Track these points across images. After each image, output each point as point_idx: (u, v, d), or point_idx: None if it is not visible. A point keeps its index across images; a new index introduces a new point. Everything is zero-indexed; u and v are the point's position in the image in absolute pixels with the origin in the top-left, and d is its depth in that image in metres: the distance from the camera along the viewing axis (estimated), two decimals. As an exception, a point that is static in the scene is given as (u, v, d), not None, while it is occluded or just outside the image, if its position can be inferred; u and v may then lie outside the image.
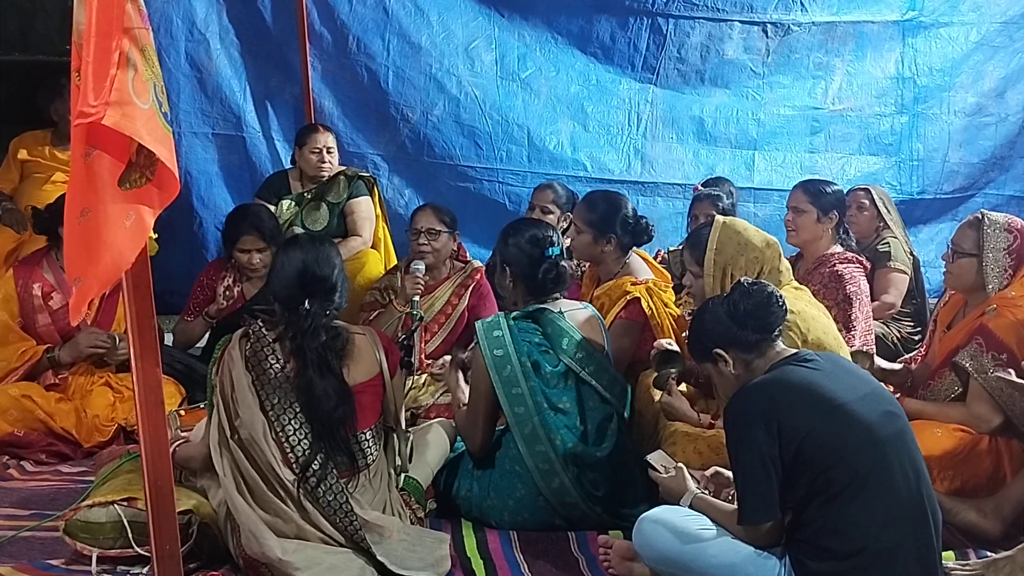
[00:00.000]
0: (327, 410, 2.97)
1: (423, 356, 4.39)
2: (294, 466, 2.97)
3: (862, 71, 6.05)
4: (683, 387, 3.71)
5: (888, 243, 5.01)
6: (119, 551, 2.97)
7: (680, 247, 4.62)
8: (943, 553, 2.78)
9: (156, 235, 4.15)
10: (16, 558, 3.06)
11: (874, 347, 4.33)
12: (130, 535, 2.95)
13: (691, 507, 2.85)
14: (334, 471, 2.97)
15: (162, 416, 2.56)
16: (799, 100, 6.05)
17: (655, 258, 4.72)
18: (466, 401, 3.52)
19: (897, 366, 3.88)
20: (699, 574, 2.74)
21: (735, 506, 2.73)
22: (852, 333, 4.14)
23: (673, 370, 3.61)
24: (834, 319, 3.72)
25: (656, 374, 3.64)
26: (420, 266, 4.38)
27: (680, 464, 3.07)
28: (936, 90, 6.06)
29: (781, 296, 2.85)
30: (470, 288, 4.55)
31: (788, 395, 2.66)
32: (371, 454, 3.11)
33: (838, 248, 4.46)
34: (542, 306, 3.50)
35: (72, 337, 4.16)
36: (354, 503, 2.97)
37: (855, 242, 4.78)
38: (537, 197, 5.04)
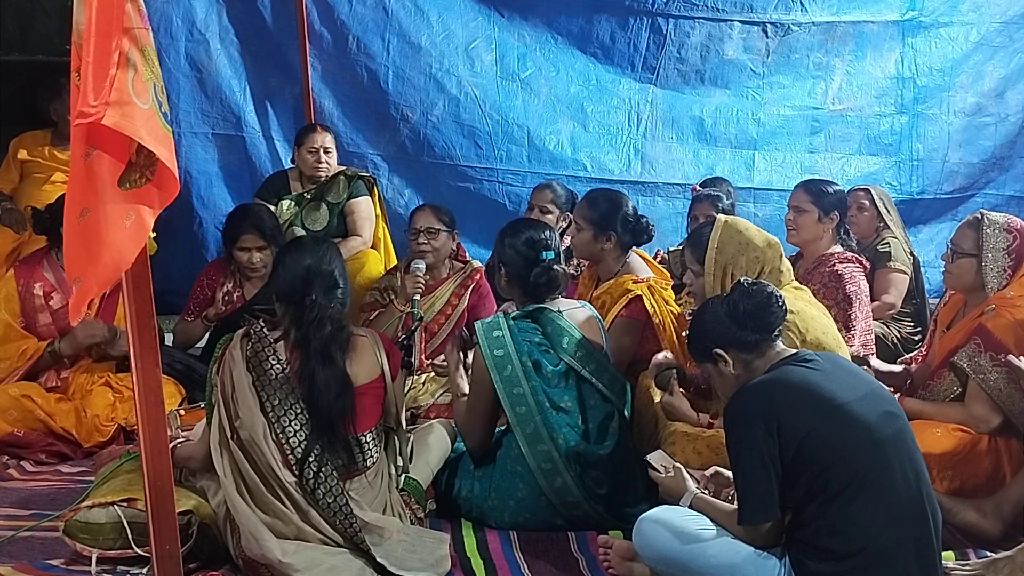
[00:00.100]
0: (328, 401, 2.97)
1: (423, 356, 4.39)
2: (293, 467, 2.97)
3: (862, 71, 6.05)
4: (682, 389, 3.71)
5: (888, 243, 5.01)
6: (119, 551, 2.97)
7: (680, 247, 4.63)
8: (943, 553, 2.78)
9: (155, 234, 4.15)
10: (16, 558, 3.06)
11: (874, 347, 4.33)
12: (130, 536, 2.95)
13: (691, 507, 2.85)
14: (334, 473, 2.97)
15: (162, 416, 2.56)
16: (799, 100, 6.06)
17: (654, 258, 4.72)
18: (465, 391, 3.52)
19: (896, 368, 3.88)
20: (699, 574, 2.74)
21: (735, 506, 2.73)
22: (852, 333, 4.14)
23: (674, 370, 3.62)
24: (834, 319, 3.72)
25: (657, 375, 3.65)
26: (420, 265, 4.39)
27: (679, 464, 3.07)
28: (936, 90, 6.06)
29: (781, 296, 2.85)
30: (470, 288, 4.55)
31: (788, 395, 2.66)
32: (371, 455, 3.11)
33: (838, 248, 4.46)
34: (541, 305, 3.50)
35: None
36: (353, 504, 2.97)
37: (855, 242, 4.78)
38: (536, 197, 5.04)
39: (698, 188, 5.24)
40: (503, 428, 3.46)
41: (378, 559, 2.91)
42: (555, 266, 3.50)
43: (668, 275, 4.29)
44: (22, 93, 5.76)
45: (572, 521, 3.35)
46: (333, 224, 5.29)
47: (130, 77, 2.26)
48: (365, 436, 3.08)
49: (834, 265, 4.34)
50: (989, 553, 3.08)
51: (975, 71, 6.04)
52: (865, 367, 3.65)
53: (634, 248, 4.17)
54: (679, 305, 3.99)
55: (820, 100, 6.05)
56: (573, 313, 3.52)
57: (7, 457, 3.94)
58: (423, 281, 4.36)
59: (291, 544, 2.89)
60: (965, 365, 3.41)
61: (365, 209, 5.33)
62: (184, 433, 3.36)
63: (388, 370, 3.14)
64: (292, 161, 5.42)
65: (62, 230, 2.45)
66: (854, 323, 4.18)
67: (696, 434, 3.48)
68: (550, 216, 4.84)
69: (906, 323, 4.99)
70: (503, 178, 5.92)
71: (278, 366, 3.00)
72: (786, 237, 4.50)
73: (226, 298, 4.55)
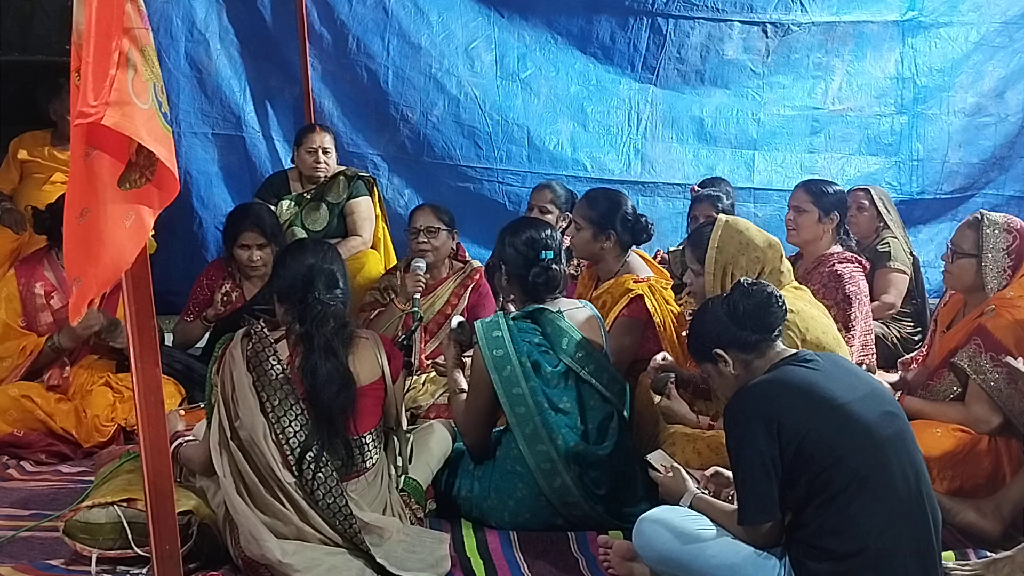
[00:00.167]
0: (330, 395, 2.97)
1: (423, 356, 4.40)
2: (293, 467, 2.97)
3: (862, 71, 6.05)
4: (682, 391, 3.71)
5: (888, 243, 5.01)
6: (119, 552, 2.97)
7: (680, 247, 4.63)
8: (943, 553, 2.78)
9: (153, 231, 4.15)
10: (16, 558, 3.06)
11: (874, 347, 4.34)
12: (130, 536, 2.95)
13: (691, 507, 2.85)
14: (333, 473, 2.97)
15: (162, 416, 2.56)
16: (799, 100, 6.06)
17: (654, 258, 4.72)
18: (463, 386, 3.52)
19: (892, 377, 3.87)
20: (699, 574, 2.74)
21: (735, 506, 2.73)
22: (851, 333, 4.13)
23: (671, 373, 3.62)
24: (833, 319, 3.72)
25: (654, 377, 3.66)
26: (421, 264, 4.39)
27: (679, 464, 3.07)
28: (936, 90, 6.06)
29: (781, 296, 2.85)
30: (469, 288, 4.55)
31: (788, 395, 2.66)
32: (371, 456, 3.11)
33: (838, 248, 4.46)
34: (541, 306, 3.50)
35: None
36: (353, 505, 2.97)
37: (855, 242, 4.78)
38: (536, 197, 5.04)
39: (697, 188, 5.24)
40: (503, 428, 3.46)
41: (378, 559, 2.91)
42: (554, 265, 3.50)
43: (668, 275, 4.29)
44: (22, 93, 5.77)
45: (572, 521, 3.35)
46: (333, 224, 5.29)
47: (130, 77, 2.26)
48: (365, 437, 3.08)
49: (834, 265, 4.34)
50: (989, 553, 3.08)
51: (975, 71, 6.03)
52: None
53: (634, 248, 4.17)
54: (679, 305, 3.99)
55: (820, 100, 6.05)
56: (573, 313, 3.52)
57: (7, 457, 3.94)
58: (423, 280, 4.36)
59: (291, 544, 2.89)
60: (966, 365, 3.41)
61: (365, 209, 5.33)
62: (187, 433, 3.35)
63: (388, 372, 3.14)
64: (292, 161, 5.42)
65: (62, 230, 2.45)
66: (854, 323, 4.18)
67: (696, 434, 3.49)
68: (550, 216, 4.84)
69: (906, 323, 4.99)
70: (503, 178, 5.91)
71: (278, 366, 3.00)
72: (786, 237, 4.50)
73: (224, 299, 4.55)
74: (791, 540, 2.68)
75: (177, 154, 2.40)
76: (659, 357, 3.68)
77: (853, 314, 4.19)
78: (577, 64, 5.97)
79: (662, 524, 2.80)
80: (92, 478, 3.45)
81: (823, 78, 6.05)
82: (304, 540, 2.92)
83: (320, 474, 2.95)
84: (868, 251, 4.95)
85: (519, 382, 3.33)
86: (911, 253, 5.09)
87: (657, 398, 3.66)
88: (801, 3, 5.95)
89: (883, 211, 5.13)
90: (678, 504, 2.89)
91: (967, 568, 2.94)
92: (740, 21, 5.96)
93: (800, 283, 3.78)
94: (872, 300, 4.62)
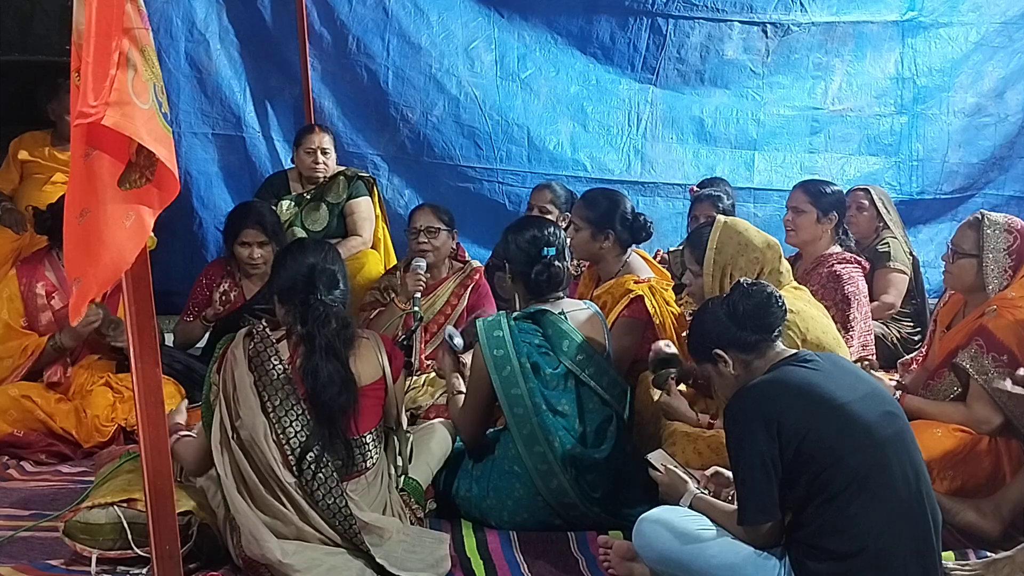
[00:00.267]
0: (331, 396, 2.97)
1: (423, 356, 4.39)
2: (293, 467, 2.96)
3: (862, 71, 6.05)
4: (682, 387, 3.70)
5: (888, 243, 5.01)
6: (119, 552, 2.97)
7: (680, 247, 4.62)
8: (943, 553, 2.78)
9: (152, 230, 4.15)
10: (16, 558, 3.06)
11: (873, 348, 4.34)
12: (129, 536, 2.95)
13: (691, 507, 2.85)
14: (333, 473, 2.97)
15: (162, 416, 2.56)
16: (799, 100, 6.06)
17: (654, 258, 4.72)
18: (460, 389, 3.52)
19: (890, 381, 3.87)
20: (699, 574, 2.74)
21: (735, 506, 2.73)
22: (850, 334, 4.14)
23: (672, 370, 3.61)
24: (832, 319, 3.72)
25: (655, 374, 3.64)
26: (421, 264, 4.39)
27: (680, 463, 3.07)
28: (936, 90, 6.06)
29: (781, 297, 2.85)
30: (469, 288, 4.55)
31: (788, 395, 2.66)
32: (372, 456, 3.11)
33: (837, 248, 4.47)
34: (543, 307, 3.50)
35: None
36: (353, 505, 2.97)
37: (854, 242, 4.78)
38: (535, 197, 5.04)
39: (696, 189, 5.24)
40: (502, 428, 3.46)
41: (378, 559, 2.91)
42: (556, 262, 3.50)
43: (669, 275, 4.29)
44: (22, 93, 5.76)
45: (570, 521, 3.35)
46: (333, 224, 5.29)
47: (130, 77, 2.26)
48: (365, 437, 3.08)
49: (833, 266, 4.34)
50: (989, 553, 3.08)
51: (975, 71, 6.04)
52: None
53: (635, 248, 4.17)
54: (679, 306, 3.99)
55: (820, 100, 6.05)
56: (576, 315, 3.52)
57: (7, 457, 3.94)
58: (424, 280, 4.36)
59: (291, 544, 2.89)
60: (967, 366, 3.41)
61: (365, 209, 5.33)
62: (185, 428, 3.35)
63: (389, 372, 3.14)
64: (292, 161, 5.42)
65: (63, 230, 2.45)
66: (853, 324, 4.18)
67: (696, 434, 3.48)
68: (550, 216, 4.83)
69: (906, 323, 4.99)
70: (503, 178, 5.91)
71: (280, 366, 2.99)
72: (785, 238, 4.49)
73: (223, 298, 4.55)
74: (791, 540, 2.68)
75: (177, 154, 2.40)
76: (662, 344, 3.65)
77: (852, 315, 4.20)
78: (577, 64, 5.97)
79: (662, 524, 2.80)
80: (92, 478, 3.45)
81: (823, 78, 6.05)
82: (304, 540, 2.92)
83: (320, 474, 2.95)
84: (868, 251, 4.95)
85: (518, 383, 3.33)
86: (911, 253, 5.10)
87: (657, 394, 3.65)
88: (801, 3, 5.95)
89: (883, 211, 5.13)
90: (678, 504, 2.89)
91: (967, 568, 2.94)
92: (740, 21, 5.96)
93: (799, 284, 3.78)
94: (872, 300, 4.62)
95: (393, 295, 4.52)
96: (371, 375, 3.11)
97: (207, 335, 4.68)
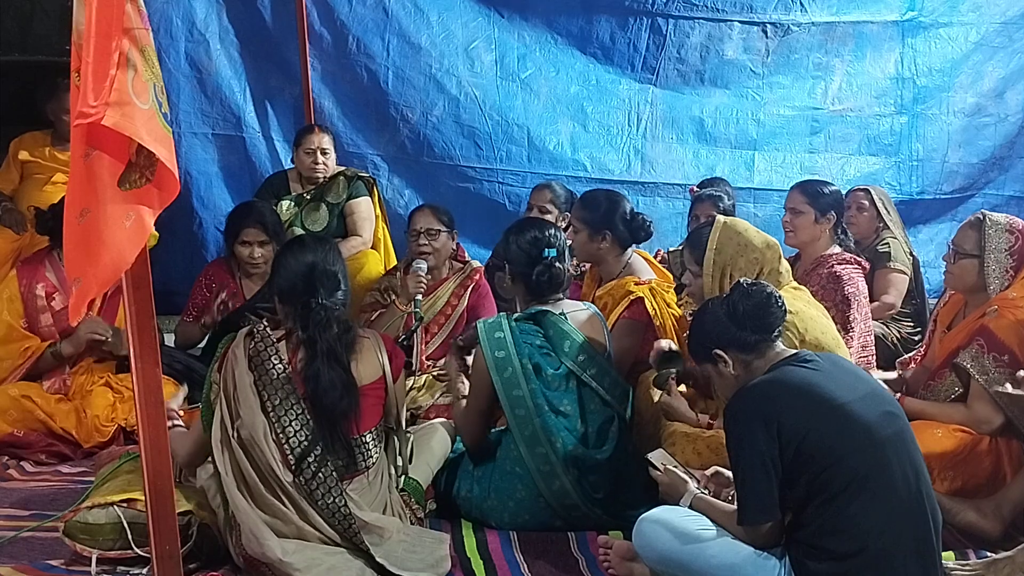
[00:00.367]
0: (332, 401, 2.97)
1: (423, 357, 4.39)
2: (292, 467, 2.96)
3: (862, 71, 6.05)
4: (683, 387, 3.70)
5: (888, 243, 5.01)
6: (119, 552, 2.97)
7: (680, 247, 4.62)
8: (943, 553, 2.78)
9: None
10: (16, 558, 3.06)
11: (873, 348, 4.33)
12: (130, 536, 2.95)
13: (691, 507, 2.85)
14: (333, 473, 2.97)
15: (162, 416, 2.56)
16: (799, 100, 6.06)
17: (655, 257, 4.72)
18: (465, 393, 3.52)
19: (891, 375, 3.87)
20: (699, 574, 2.74)
21: (735, 506, 2.73)
22: (851, 334, 4.13)
23: (673, 370, 3.61)
24: (832, 320, 3.72)
25: (656, 374, 3.64)
26: (422, 265, 4.39)
27: (680, 463, 3.07)
28: (935, 90, 6.06)
29: (780, 297, 2.85)
30: (469, 288, 4.55)
31: (788, 395, 2.66)
32: (372, 456, 3.11)
33: (836, 249, 4.46)
34: (544, 308, 3.49)
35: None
36: (352, 504, 2.97)
37: (854, 243, 4.77)
38: (535, 197, 5.04)
39: (696, 189, 5.24)
40: (503, 428, 3.45)
41: (378, 559, 2.91)
42: (557, 263, 3.50)
43: (671, 276, 4.29)
44: (22, 93, 5.76)
45: (571, 522, 3.35)
46: (333, 224, 5.29)
47: (130, 77, 2.26)
48: (365, 436, 3.08)
49: (832, 266, 4.34)
50: (989, 553, 3.08)
51: (975, 71, 6.04)
52: None
53: (636, 249, 4.17)
54: (680, 307, 3.99)
55: (820, 100, 6.05)
56: (576, 315, 3.52)
57: (7, 457, 3.94)
58: (425, 281, 4.36)
59: (291, 543, 2.89)
60: (968, 366, 3.40)
61: (365, 209, 5.33)
62: (179, 420, 3.34)
63: (390, 371, 3.14)
64: (292, 161, 5.42)
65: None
66: (853, 324, 4.18)
67: (696, 434, 3.48)
68: (549, 216, 4.84)
69: (906, 323, 4.99)
70: (503, 178, 5.91)
71: (280, 366, 2.99)
72: (784, 239, 4.49)
73: (221, 308, 4.53)
74: (791, 540, 2.68)
75: (177, 154, 2.40)
76: (664, 343, 3.65)
77: (852, 315, 4.19)
78: (577, 64, 5.96)
79: (662, 524, 2.80)
80: (92, 478, 3.45)
81: (823, 78, 6.05)
82: (304, 539, 2.92)
83: (320, 474, 2.95)
84: (868, 251, 4.95)
85: (520, 384, 3.33)
86: (911, 253, 5.09)
87: (657, 394, 3.65)
88: (801, 3, 5.95)
89: (883, 211, 5.13)
90: (678, 504, 2.89)
91: (967, 568, 2.93)
92: (740, 21, 5.96)
93: (799, 284, 3.78)
94: (872, 300, 4.62)
95: (394, 296, 4.51)
96: (371, 374, 3.11)
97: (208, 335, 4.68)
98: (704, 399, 3.72)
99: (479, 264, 4.76)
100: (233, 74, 5.75)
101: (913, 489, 2.61)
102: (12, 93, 6.13)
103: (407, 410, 3.73)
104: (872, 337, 4.36)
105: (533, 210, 4.95)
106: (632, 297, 3.88)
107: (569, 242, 4.42)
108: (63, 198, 2.83)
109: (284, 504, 2.94)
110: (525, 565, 3.12)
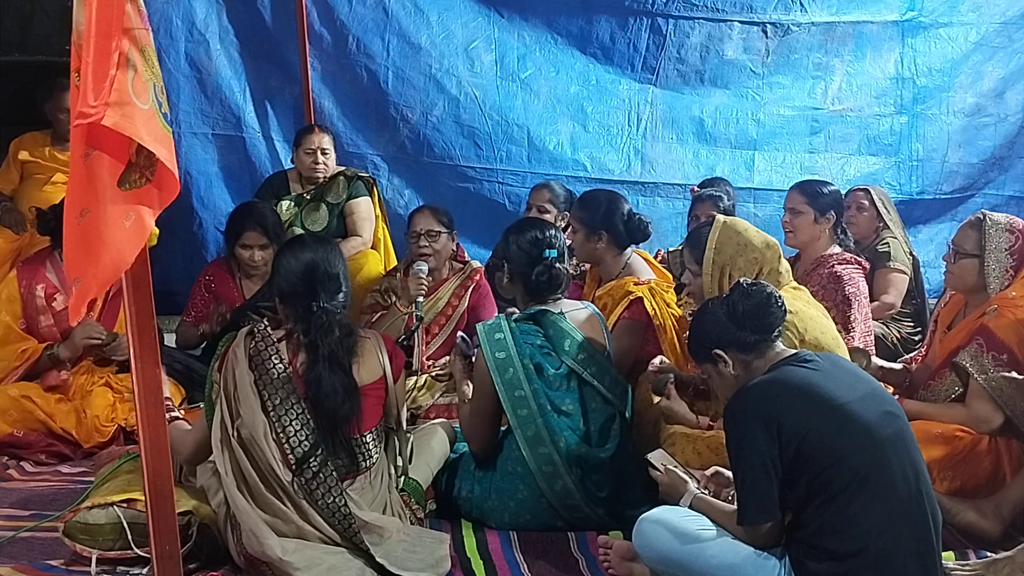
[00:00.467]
0: (334, 405, 2.97)
1: (424, 358, 4.39)
2: (293, 466, 2.96)
3: (862, 71, 6.06)
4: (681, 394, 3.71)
5: (888, 243, 5.01)
6: (119, 552, 2.97)
7: (680, 247, 4.62)
8: (943, 553, 2.78)
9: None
10: (16, 558, 3.05)
11: (873, 348, 4.33)
12: (129, 536, 2.94)
13: (691, 507, 2.85)
14: (333, 473, 2.97)
15: (162, 416, 2.56)
16: (799, 100, 6.06)
17: (655, 257, 4.72)
18: (470, 397, 3.52)
19: (896, 365, 3.87)
20: (699, 574, 2.74)
21: (735, 506, 2.73)
22: (851, 334, 4.13)
23: (670, 375, 3.62)
24: (833, 320, 3.72)
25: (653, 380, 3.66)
26: (423, 267, 4.38)
27: (680, 463, 3.07)
28: (935, 90, 6.06)
29: (780, 297, 2.85)
30: (470, 289, 4.55)
31: (787, 395, 2.66)
32: (372, 456, 3.11)
33: (836, 249, 4.46)
34: (544, 308, 3.49)
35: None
36: (352, 505, 2.97)
37: (854, 243, 4.77)
38: (534, 197, 5.04)
39: (696, 189, 5.24)
40: (504, 429, 3.45)
41: (377, 559, 2.91)
42: (557, 264, 3.50)
43: (671, 276, 4.29)
44: (22, 93, 5.76)
45: (572, 523, 3.35)
46: (333, 224, 5.29)
47: (130, 77, 2.26)
48: (366, 437, 3.08)
49: (833, 266, 4.34)
50: (989, 553, 3.08)
51: (974, 71, 6.04)
52: (865, 361, 3.64)
53: (636, 249, 4.17)
54: (680, 307, 3.99)
55: (820, 100, 6.05)
56: (575, 314, 3.52)
57: (7, 458, 3.94)
58: (426, 283, 4.35)
59: (291, 543, 2.89)
60: (968, 365, 3.40)
61: (365, 209, 5.32)
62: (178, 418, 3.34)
63: (390, 371, 3.14)
64: (292, 161, 5.42)
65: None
66: (853, 324, 4.17)
67: (696, 435, 3.48)
68: (548, 216, 4.84)
69: (906, 323, 4.99)
70: (503, 178, 5.91)
71: (280, 366, 2.99)
72: (784, 239, 4.49)
73: (219, 320, 4.52)
74: (791, 540, 2.68)
75: (177, 154, 2.40)
76: (656, 361, 3.68)
77: (853, 315, 4.19)
78: (577, 64, 5.97)
79: (662, 524, 2.80)
80: (92, 478, 3.45)
81: (823, 78, 6.05)
82: (304, 539, 2.92)
83: (320, 474, 2.95)
84: (868, 251, 4.95)
85: (521, 384, 3.33)
86: (911, 253, 5.10)
87: (657, 399, 3.66)
88: (801, 3, 5.95)
89: (883, 211, 5.13)
90: (678, 504, 2.89)
91: (967, 568, 2.93)
92: (740, 21, 5.96)
93: (799, 284, 3.78)
94: (872, 300, 4.61)
95: (394, 297, 4.51)
96: (372, 375, 3.11)
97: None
98: (703, 401, 3.72)
99: (479, 264, 4.76)
100: (233, 74, 5.75)
101: (913, 489, 2.61)
102: (12, 93, 6.13)
103: (407, 410, 3.73)
104: (872, 337, 4.36)
105: (532, 210, 4.95)
106: (631, 297, 3.89)
107: (569, 242, 4.44)
108: (64, 198, 2.84)
109: (284, 503, 2.94)
110: (525, 565, 3.12)
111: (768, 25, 5.98)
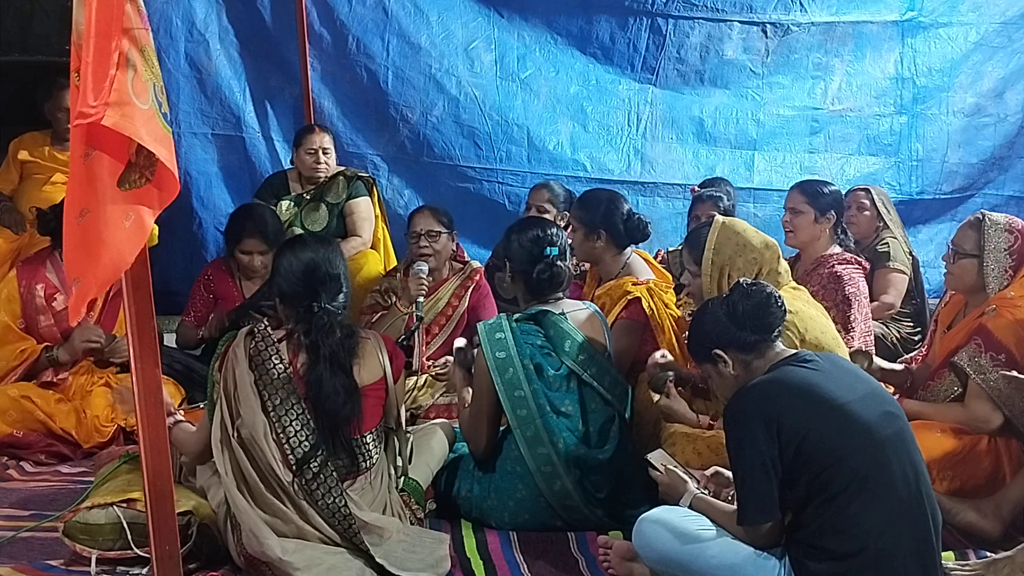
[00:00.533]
0: (335, 407, 2.97)
1: (424, 358, 4.39)
2: (293, 467, 2.96)
3: (861, 71, 6.05)
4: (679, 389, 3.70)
5: (888, 243, 5.01)
6: (119, 552, 2.97)
7: (680, 247, 4.62)
8: (943, 553, 2.78)
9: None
10: (16, 558, 3.05)
11: (873, 348, 4.33)
12: (129, 536, 2.94)
13: (691, 507, 2.85)
14: (333, 473, 2.97)
15: (162, 416, 2.56)
16: (799, 100, 6.05)
17: (655, 258, 4.72)
18: (470, 402, 3.52)
19: (897, 366, 3.87)
20: (699, 574, 2.74)
21: (735, 506, 2.73)
22: (851, 334, 4.13)
23: (670, 372, 3.61)
24: (833, 320, 3.72)
25: (653, 376, 3.65)
26: (423, 267, 4.38)
27: (680, 463, 3.06)
28: (935, 90, 6.06)
29: (780, 297, 2.85)
30: (470, 289, 4.55)
31: (787, 395, 2.66)
32: (372, 456, 3.11)
33: (836, 249, 4.46)
34: (544, 308, 3.49)
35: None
36: (352, 504, 2.97)
37: (854, 242, 4.77)
38: (533, 197, 5.04)
39: (696, 189, 5.24)
40: (503, 429, 3.45)
41: (377, 559, 2.91)
42: (558, 262, 3.50)
43: (670, 277, 4.29)
44: (22, 93, 5.76)
45: (571, 523, 3.35)
46: (332, 225, 5.28)
47: (130, 77, 2.26)
48: (366, 437, 3.08)
49: (833, 266, 4.34)
50: (989, 553, 3.08)
51: (974, 71, 6.04)
52: (866, 362, 3.64)
53: (635, 249, 4.17)
54: (679, 307, 3.99)
55: (820, 100, 6.05)
56: (576, 315, 3.52)
57: (7, 458, 3.94)
58: (426, 283, 4.35)
59: (291, 543, 2.89)
60: (965, 365, 3.41)
61: (364, 209, 5.32)
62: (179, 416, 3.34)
63: (390, 372, 3.14)
64: (292, 161, 5.42)
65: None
66: (853, 324, 4.17)
67: (696, 434, 3.48)
68: (547, 215, 4.84)
69: (906, 323, 4.99)
70: (503, 178, 5.91)
71: (280, 366, 2.99)
72: (784, 239, 4.49)
73: (220, 326, 4.51)
74: (791, 540, 2.68)
75: (177, 154, 2.40)
76: (658, 355, 3.67)
77: (853, 315, 4.19)
78: (577, 64, 5.96)
79: (662, 524, 2.80)
80: (92, 478, 3.45)
81: (823, 78, 6.05)
82: (304, 539, 2.92)
83: (321, 474, 2.95)
84: (868, 251, 4.95)
85: (521, 385, 3.33)
86: (911, 253, 5.10)
87: (656, 397, 3.66)
88: (801, 3, 5.95)
89: (883, 211, 5.13)
90: (678, 504, 2.89)
91: (967, 568, 2.94)
92: (740, 21, 5.96)
93: (799, 284, 3.78)
94: (872, 300, 4.61)
95: (394, 298, 4.51)
96: (372, 376, 3.11)
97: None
98: (703, 400, 3.72)
99: (479, 264, 4.76)
100: (233, 74, 5.75)
101: (913, 489, 2.61)
102: (12, 93, 6.13)
103: (407, 410, 3.73)
104: (872, 338, 4.36)
105: (531, 210, 4.95)
106: (630, 297, 3.89)
107: (569, 241, 4.44)
108: (64, 198, 2.84)
109: (284, 504, 2.94)
110: (525, 565, 3.12)
111: (768, 25, 5.97)
